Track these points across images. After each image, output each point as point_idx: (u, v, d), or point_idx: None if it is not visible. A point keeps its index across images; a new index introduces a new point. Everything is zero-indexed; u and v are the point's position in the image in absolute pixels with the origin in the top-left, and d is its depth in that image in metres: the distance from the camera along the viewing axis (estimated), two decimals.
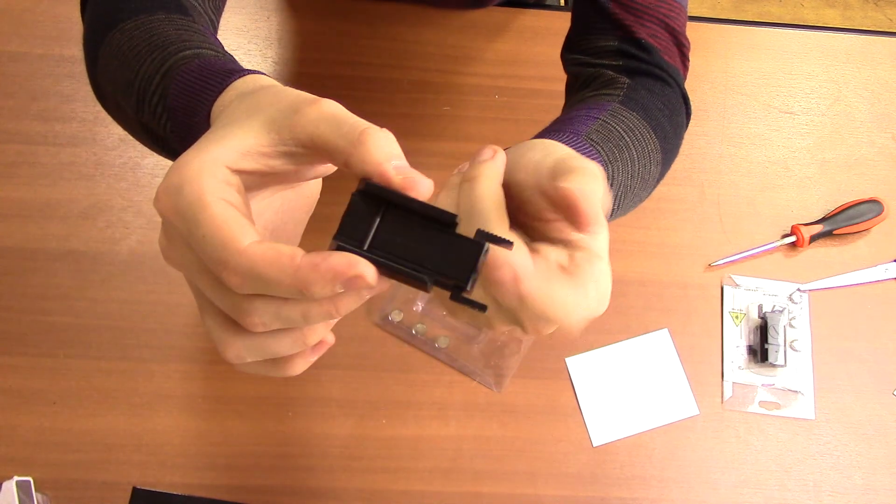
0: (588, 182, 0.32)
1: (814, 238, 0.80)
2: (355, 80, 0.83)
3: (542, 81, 0.86)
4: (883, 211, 0.81)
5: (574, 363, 0.74)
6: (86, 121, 0.78)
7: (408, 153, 0.81)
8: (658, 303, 0.77)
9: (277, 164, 0.32)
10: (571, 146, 0.43)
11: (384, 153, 0.31)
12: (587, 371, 0.74)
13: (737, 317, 0.77)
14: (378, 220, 0.31)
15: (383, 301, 0.74)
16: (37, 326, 0.70)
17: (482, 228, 0.31)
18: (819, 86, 0.90)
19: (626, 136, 0.50)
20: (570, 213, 0.33)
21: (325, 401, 0.70)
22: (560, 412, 0.72)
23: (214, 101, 0.38)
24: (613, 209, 0.49)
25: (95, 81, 0.51)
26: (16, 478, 0.63)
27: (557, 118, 0.53)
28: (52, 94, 0.79)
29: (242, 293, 0.30)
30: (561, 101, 0.85)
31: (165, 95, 0.42)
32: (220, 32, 0.83)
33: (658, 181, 0.57)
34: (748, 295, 0.78)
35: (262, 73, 0.40)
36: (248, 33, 0.85)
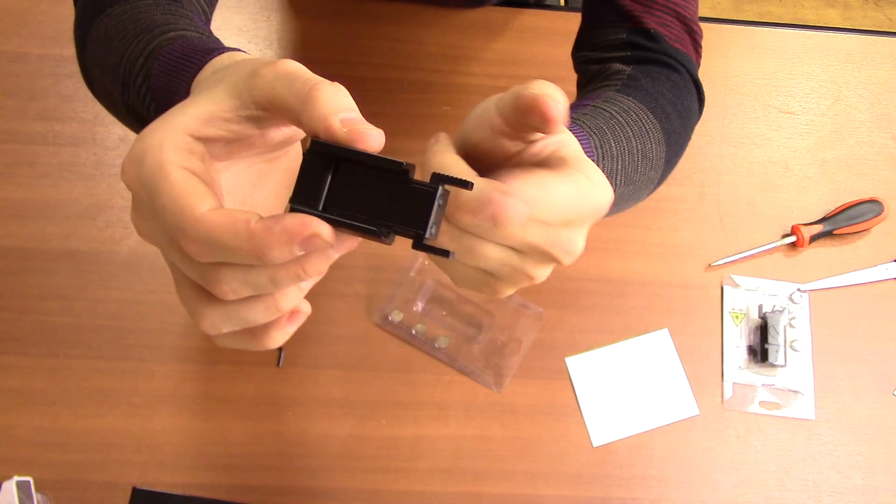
0: (542, 85, 0.32)
1: (814, 238, 0.80)
2: (355, 80, 0.83)
3: None
4: (883, 211, 0.81)
5: (574, 363, 0.74)
6: (86, 121, 0.78)
7: (408, 153, 0.81)
8: (658, 303, 0.77)
9: (239, 128, 0.32)
10: None
11: (332, 107, 0.30)
12: (587, 371, 0.74)
13: (737, 317, 0.77)
14: (330, 178, 0.30)
15: (383, 301, 0.74)
16: (37, 326, 0.70)
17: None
18: (819, 86, 0.90)
19: (617, 116, 0.49)
20: (535, 117, 0.32)
21: (325, 401, 0.70)
22: (560, 412, 0.72)
23: (193, 79, 0.38)
24: (617, 183, 0.48)
25: (84, 65, 0.51)
26: (16, 478, 0.63)
27: None
28: (52, 94, 0.79)
29: (204, 262, 0.29)
30: None
31: (149, 76, 0.42)
32: (220, 33, 0.83)
33: (667, 164, 0.55)
34: (748, 295, 0.78)
35: (241, 51, 0.40)
36: (248, 33, 0.85)
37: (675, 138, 0.55)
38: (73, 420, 0.68)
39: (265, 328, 0.33)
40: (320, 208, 0.30)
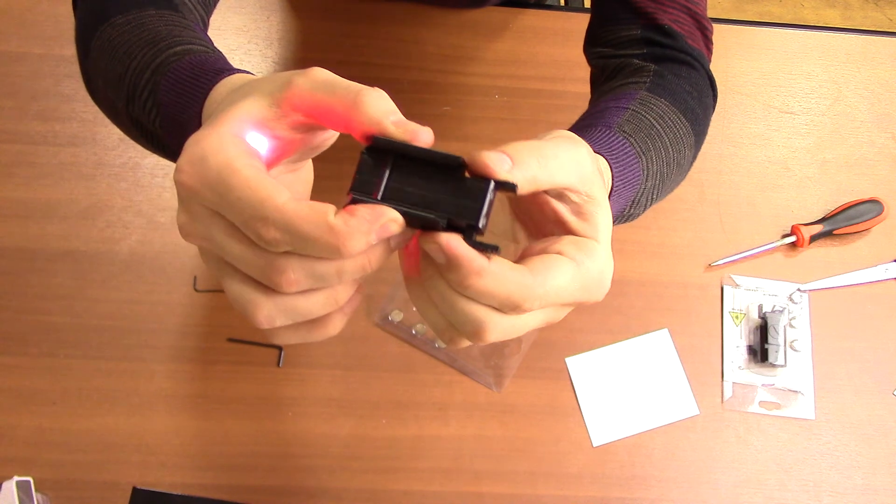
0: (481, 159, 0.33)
1: (814, 238, 0.80)
2: (355, 80, 0.83)
3: (542, 81, 0.86)
4: (883, 211, 0.81)
5: (574, 363, 0.74)
6: (86, 121, 0.78)
7: None
8: (658, 303, 0.77)
9: (284, 133, 0.34)
10: (604, 140, 0.46)
11: (381, 111, 0.33)
12: (587, 371, 0.74)
13: (737, 317, 0.77)
14: (388, 172, 0.32)
15: (383, 301, 0.74)
16: (37, 326, 0.70)
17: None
18: (819, 86, 0.90)
19: (656, 124, 0.50)
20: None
21: (325, 401, 0.70)
22: (560, 412, 0.72)
23: (205, 98, 0.40)
24: (652, 197, 0.51)
25: (87, 74, 0.51)
26: (16, 478, 0.63)
27: (587, 111, 0.53)
28: (52, 94, 0.79)
29: (278, 251, 0.30)
30: (561, 101, 0.85)
31: (156, 91, 0.43)
32: (220, 33, 0.83)
33: (692, 164, 0.57)
34: (748, 295, 0.78)
35: (250, 72, 0.42)
36: (248, 33, 0.84)
37: (700, 139, 0.58)
38: (73, 420, 0.68)
39: (325, 318, 0.33)
40: (379, 199, 0.31)
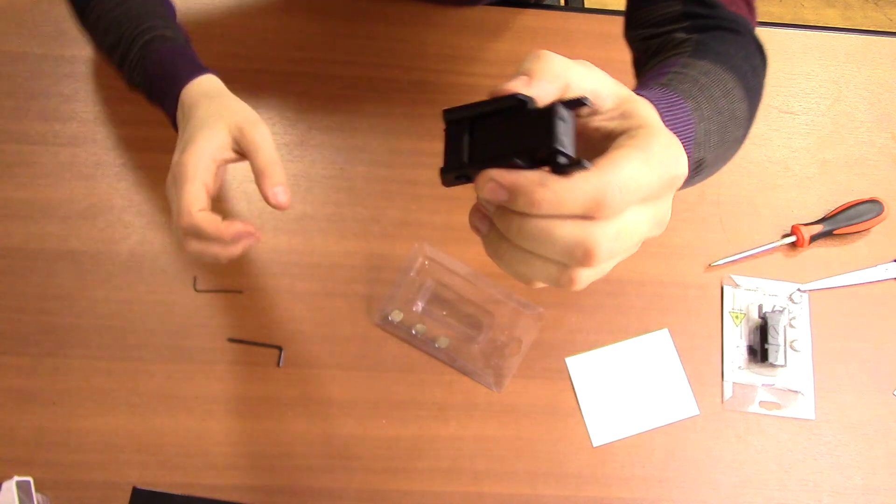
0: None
1: (814, 238, 0.80)
2: (355, 80, 0.83)
3: None
4: (883, 211, 0.81)
5: (574, 363, 0.74)
6: (86, 121, 0.78)
7: (408, 153, 0.82)
8: (658, 303, 0.77)
9: (232, 157, 0.57)
10: (643, 92, 0.45)
11: (271, 183, 0.56)
12: (587, 371, 0.74)
13: (737, 317, 0.77)
14: (467, 137, 0.35)
15: (383, 301, 0.74)
16: (37, 326, 0.70)
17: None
18: (819, 86, 0.90)
19: (701, 78, 0.50)
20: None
21: (325, 401, 0.70)
22: (560, 412, 0.72)
23: (183, 87, 0.60)
24: (715, 143, 0.49)
25: (84, 29, 0.70)
26: (16, 478, 0.63)
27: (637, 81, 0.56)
28: (52, 94, 0.79)
29: (185, 235, 0.55)
30: None
31: (144, 64, 0.63)
32: (221, 32, 0.83)
33: (749, 121, 0.56)
34: (748, 295, 0.78)
35: (214, 75, 0.62)
36: (248, 32, 0.84)
37: (754, 95, 0.56)
38: (73, 420, 0.68)
39: (211, 255, 0.57)
40: (467, 162, 0.34)
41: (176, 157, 0.55)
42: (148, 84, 0.63)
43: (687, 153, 0.41)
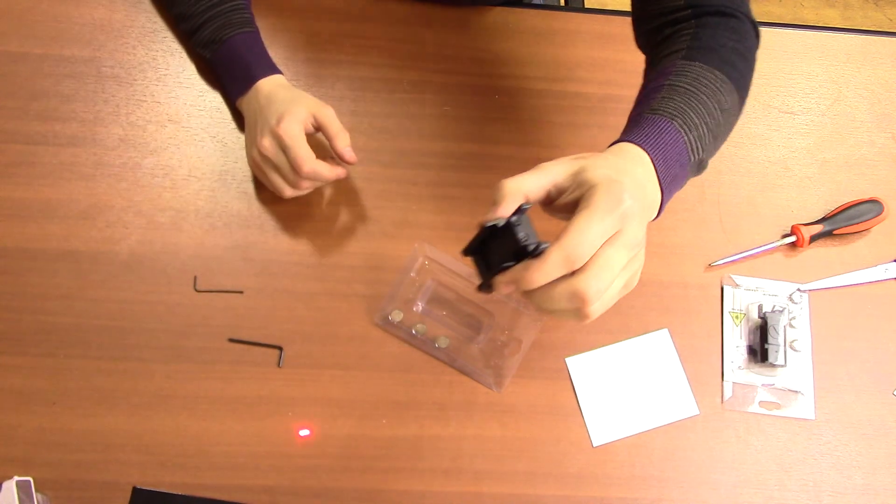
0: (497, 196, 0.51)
1: (814, 238, 0.80)
2: (355, 80, 0.83)
3: (542, 81, 0.86)
4: (883, 211, 0.81)
5: (574, 363, 0.74)
6: (86, 121, 0.78)
7: (408, 153, 0.82)
8: (658, 303, 0.77)
9: (311, 130, 0.72)
10: (636, 128, 0.56)
11: (343, 145, 0.72)
12: (587, 371, 0.74)
13: (737, 317, 0.77)
14: (481, 260, 0.53)
15: (383, 301, 0.74)
16: (37, 326, 0.70)
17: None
18: (819, 86, 0.90)
19: (690, 87, 0.59)
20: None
21: (325, 401, 0.70)
22: (560, 412, 0.72)
23: (260, 79, 0.74)
24: (708, 138, 0.59)
25: None
26: (16, 478, 0.63)
27: (637, 98, 0.63)
28: (52, 94, 0.79)
29: (301, 176, 0.71)
30: (561, 101, 0.85)
31: (219, 43, 0.76)
32: None
33: (741, 103, 0.64)
34: (748, 295, 0.78)
35: (281, 73, 0.77)
36: None
37: (744, 81, 0.64)
38: (73, 420, 0.68)
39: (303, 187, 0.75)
40: (487, 276, 0.52)
41: (272, 124, 0.69)
42: (219, 64, 0.77)
43: (682, 162, 0.55)
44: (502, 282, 0.49)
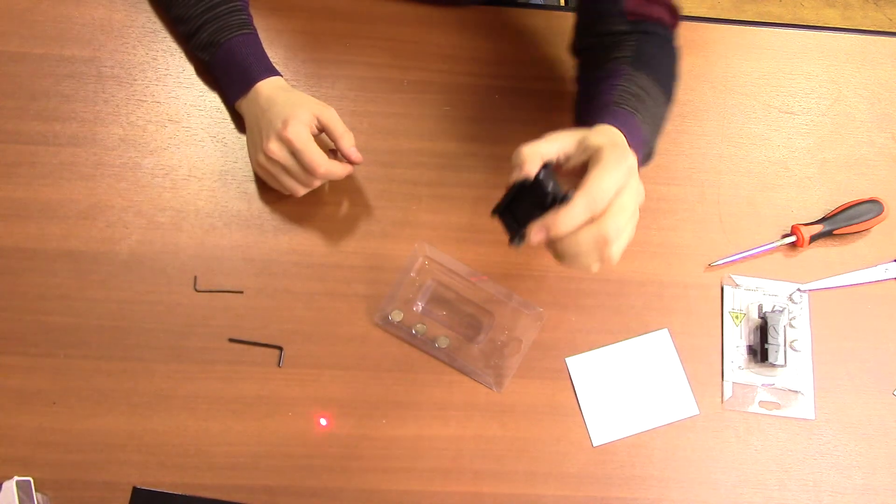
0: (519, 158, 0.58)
1: (814, 238, 0.80)
2: (355, 80, 0.83)
3: (542, 81, 0.86)
4: (883, 211, 0.81)
5: (574, 363, 0.74)
6: (86, 121, 0.78)
7: (408, 153, 0.82)
8: (658, 303, 0.77)
9: (315, 132, 0.73)
10: (610, 114, 0.65)
11: (348, 145, 0.74)
12: (587, 371, 0.74)
13: (737, 317, 0.77)
14: (510, 199, 0.59)
15: (383, 301, 0.74)
16: (37, 326, 0.70)
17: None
18: (819, 86, 0.90)
19: (640, 93, 0.69)
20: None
21: (325, 401, 0.70)
22: (560, 412, 0.72)
23: (259, 81, 0.74)
24: (655, 133, 0.70)
25: None
26: (16, 478, 0.63)
27: (590, 90, 0.74)
28: (52, 94, 0.79)
29: (315, 177, 0.73)
30: (561, 101, 0.85)
31: (216, 46, 0.76)
32: None
33: (670, 110, 0.75)
34: (748, 295, 0.78)
35: (281, 75, 0.77)
36: None
37: (674, 94, 0.75)
38: (73, 420, 0.68)
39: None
40: (517, 228, 0.58)
41: (278, 128, 0.70)
42: (218, 67, 0.77)
43: (640, 148, 0.64)
44: (535, 228, 0.54)
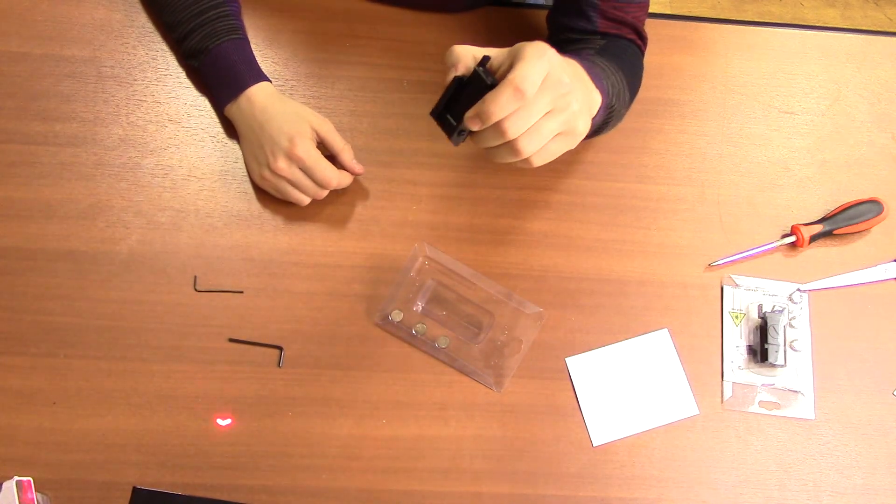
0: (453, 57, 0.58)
1: (814, 238, 0.80)
2: (355, 80, 0.83)
3: None
4: (883, 211, 0.81)
5: (574, 363, 0.74)
6: (86, 121, 0.78)
7: (408, 153, 0.83)
8: (658, 303, 0.77)
9: (315, 142, 0.74)
10: (571, 55, 0.63)
11: (349, 159, 0.77)
12: (587, 371, 0.74)
13: (737, 317, 0.77)
14: (448, 114, 0.58)
15: (383, 301, 0.74)
16: (37, 326, 0.70)
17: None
18: (819, 86, 0.90)
19: (603, 66, 0.71)
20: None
21: (325, 401, 0.70)
22: (560, 412, 0.72)
23: (249, 87, 0.75)
24: (617, 97, 0.72)
25: None
26: (16, 478, 0.63)
27: None
28: (52, 94, 0.79)
29: (325, 189, 0.75)
30: None
31: (206, 52, 0.76)
32: None
33: (629, 104, 0.78)
34: (748, 295, 0.78)
35: (269, 80, 0.77)
36: (249, 33, 0.84)
37: (634, 88, 0.78)
38: (73, 420, 0.68)
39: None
40: (455, 123, 0.58)
41: (285, 146, 0.72)
42: (207, 73, 0.77)
43: (603, 91, 0.66)
44: (469, 117, 0.55)
